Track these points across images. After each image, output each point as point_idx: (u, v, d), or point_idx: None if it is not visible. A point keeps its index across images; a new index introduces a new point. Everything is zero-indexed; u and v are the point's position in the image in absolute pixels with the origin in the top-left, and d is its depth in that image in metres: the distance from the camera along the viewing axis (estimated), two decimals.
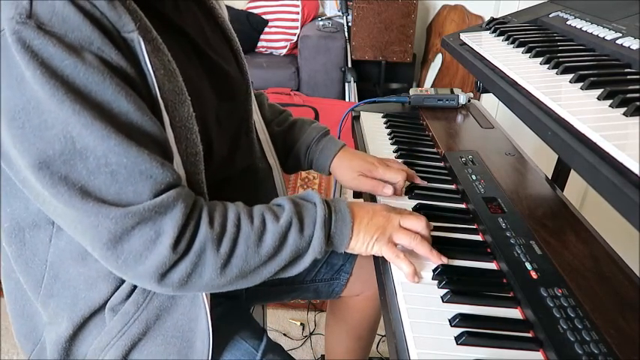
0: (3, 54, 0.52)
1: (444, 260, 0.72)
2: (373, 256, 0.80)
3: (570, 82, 0.70)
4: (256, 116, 0.92)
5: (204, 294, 0.71)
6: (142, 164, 0.57)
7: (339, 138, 1.00)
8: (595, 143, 0.54)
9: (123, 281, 0.69)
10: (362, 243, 0.71)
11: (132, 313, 0.70)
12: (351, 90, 2.92)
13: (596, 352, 0.56)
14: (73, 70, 0.53)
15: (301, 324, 1.72)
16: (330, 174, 0.96)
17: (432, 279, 0.69)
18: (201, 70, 0.75)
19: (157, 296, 0.70)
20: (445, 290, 0.67)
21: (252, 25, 3.09)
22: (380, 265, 0.75)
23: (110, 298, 0.70)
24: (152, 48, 0.61)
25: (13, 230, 0.69)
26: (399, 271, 0.70)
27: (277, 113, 1.03)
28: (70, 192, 0.55)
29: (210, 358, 0.73)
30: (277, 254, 0.66)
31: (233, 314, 0.87)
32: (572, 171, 1.15)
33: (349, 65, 2.94)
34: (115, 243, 0.58)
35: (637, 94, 0.61)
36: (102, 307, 0.71)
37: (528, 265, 0.69)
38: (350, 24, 2.91)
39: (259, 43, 3.15)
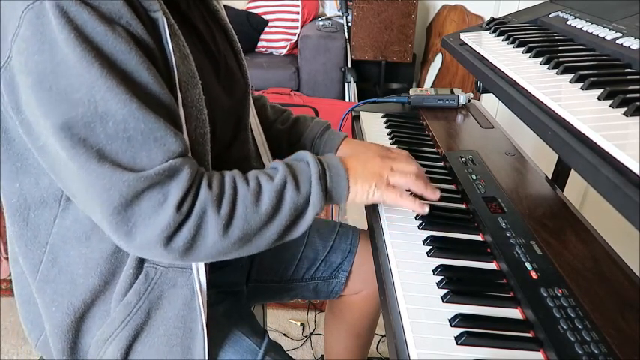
0: (41, 20, 0.56)
1: (438, 194, 0.78)
2: (373, 255, 0.80)
3: (570, 82, 0.70)
4: (253, 118, 0.94)
5: (198, 285, 0.72)
6: (158, 131, 0.60)
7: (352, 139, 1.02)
8: (595, 143, 0.54)
9: (124, 263, 0.70)
10: (362, 192, 0.73)
11: (134, 302, 0.71)
12: (351, 90, 2.92)
13: (596, 352, 0.56)
14: (103, 37, 0.57)
15: (301, 324, 1.72)
16: None
17: (433, 274, 0.70)
18: (208, 63, 0.79)
19: (157, 285, 0.71)
20: (445, 290, 0.67)
21: (252, 25, 3.09)
22: (380, 265, 0.76)
23: (110, 280, 0.71)
24: (170, 32, 0.65)
25: (19, 208, 0.70)
26: (399, 271, 0.70)
27: (279, 112, 1.06)
28: (87, 154, 0.58)
29: (207, 350, 0.74)
30: (277, 213, 0.67)
31: (235, 311, 0.88)
32: (572, 171, 1.16)
33: (349, 65, 2.94)
34: (125, 207, 0.59)
35: (637, 94, 0.61)
36: (103, 293, 0.72)
37: (528, 265, 0.69)
38: (350, 24, 2.91)
39: (259, 43, 3.15)
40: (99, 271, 0.70)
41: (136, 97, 0.58)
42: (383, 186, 0.74)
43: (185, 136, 0.66)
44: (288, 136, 1.01)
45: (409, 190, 0.78)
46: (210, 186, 0.64)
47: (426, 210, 0.73)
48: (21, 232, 0.71)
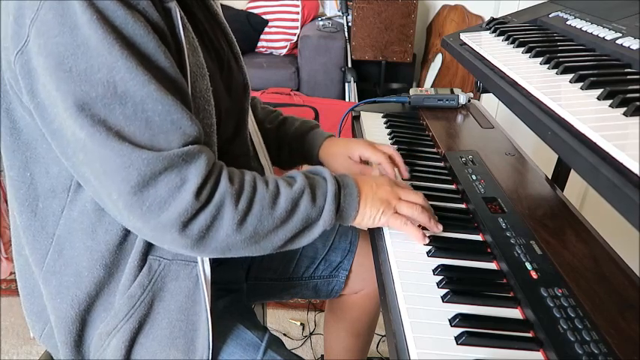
0: (62, 3, 0.57)
1: (440, 228, 0.78)
2: (373, 255, 0.80)
3: (570, 82, 0.70)
4: (250, 119, 0.95)
5: (203, 277, 0.72)
6: (175, 114, 0.61)
7: (339, 137, 1.03)
8: (595, 143, 0.54)
9: (128, 255, 0.71)
10: (369, 217, 0.75)
11: (138, 295, 0.72)
12: (351, 90, 2.91)
13: (596, 352, 0.56)
14: (123, 20, 0.59)
15: (301, 324, 1.73)
16: (320, 163, 1.00)
17: (433, 274, 0.70)
18: (211, 59, 0.81)
19: (161, 277, 0.72)
20: (445, 290, 0.67)
21: (252, 25, 3.08)
22: (380, 265, 0.76)
23: (114, 273, 0.72)
24: (182, 23, 0.66)
25: (28, 198, 0.71)
26: (399, 271, 0.71)
27: (269, 113, 1.08)
28: (107, 133, 0.59)
29: (211, 343, 0.74)
30: (289, 219, 0.68)
31: (235, 308, 0.89)
32: (572, 171, 1.16)
33: (349, 65, 2.94)
34: (142, 187, 0.60)
35: (637, 94, 0.61)
36: (107, 285, 0.72)
37: (528, 265, 0.69)
38: (350, 24, 2.91)
39: (259, 43, 3.14)
40: (103, 263, 0.71)
41: (154, 80, 0.60)
42: (389, 212, 0.75)
43: None
44: (275, 135, 1.03)
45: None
46: (231, 179, 0.66)
47: (427, 241, 0.75)
48: (29, 222, 0.72)
